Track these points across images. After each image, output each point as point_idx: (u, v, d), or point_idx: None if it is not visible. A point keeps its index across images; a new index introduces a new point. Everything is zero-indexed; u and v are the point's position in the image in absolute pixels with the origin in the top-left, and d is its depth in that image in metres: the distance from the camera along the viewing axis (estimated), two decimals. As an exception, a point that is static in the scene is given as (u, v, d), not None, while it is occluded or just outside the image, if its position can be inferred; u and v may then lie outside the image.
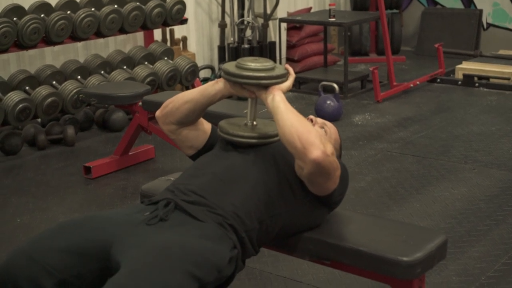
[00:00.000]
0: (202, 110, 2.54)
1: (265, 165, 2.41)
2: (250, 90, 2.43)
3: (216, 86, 2.49)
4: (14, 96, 5.04)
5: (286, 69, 2.46)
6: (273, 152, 2.47)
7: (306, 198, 2.42)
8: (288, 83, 2.43)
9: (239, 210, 2.28)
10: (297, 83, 6.94)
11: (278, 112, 2.34)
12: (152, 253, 2.04)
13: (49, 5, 5.39)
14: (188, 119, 2.56)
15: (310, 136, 2.25)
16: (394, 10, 8.53)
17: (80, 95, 4.96)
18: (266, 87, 2.40)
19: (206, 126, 2.65)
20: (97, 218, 2.30)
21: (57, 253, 2.16)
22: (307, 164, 2.24)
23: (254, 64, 2.40)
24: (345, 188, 2.51)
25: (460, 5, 8.54)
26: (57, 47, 5.75)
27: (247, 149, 2.48)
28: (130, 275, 1.97)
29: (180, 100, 2.53)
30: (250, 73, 2.39)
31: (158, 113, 2.60)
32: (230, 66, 2.45)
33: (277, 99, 2.37)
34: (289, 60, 7.54)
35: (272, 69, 2.42)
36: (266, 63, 2.42)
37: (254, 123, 2.54)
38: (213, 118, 2.82)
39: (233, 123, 2.56)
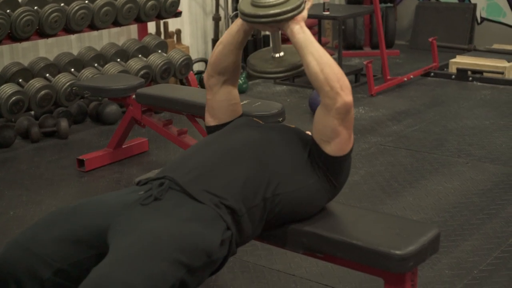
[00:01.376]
0: (232, 52, 2.56)
1: (270, 143, 2.43)
2: (271, 25, 2.43)
3: (238, 22, 2.53)
4: (7, 89, 5.03)
5: None
6: (280, 131, 2.52)
7: (311, 179, 2.43)
8: (306, 10, 2.43)
9: (241, 187, 2.27)
10: (291, 76, 6.93)
11: (311, 47, 2.36)
12: (139, 241, 2.03)
13: (42, -3, 5.38)
14: (224, 64, 2.58)
15: (346, 79, 2.36)
16: (388, 4, 8.53)
17: (74, 88, 4.95)
18: (287, 20, 2.37)
19: (238, 108, 2.70)
20: (91, 203, 2.29)
21: (53, 242, 2.15)
22: (337, 104, 2.33)
23: (271, 0, 2.35)
24: (348, 171, 2.55)
25: (454, -1, 8.55)
26: (50, 40, 5.73)
27: (253, 127, 2.51)
28: (113, 264, 1.97)
29: (217, 44, 2.61)
30: (267, 12, 2.34)
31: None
32: (245, 5, 2.41)
33: (306, 31, 2.39)
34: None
35: (288, 0, 2.37)
36: None
37: (281, 54, 2.53)
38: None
39: (261, 57, 2.56)
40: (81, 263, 2.16)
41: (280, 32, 2.50)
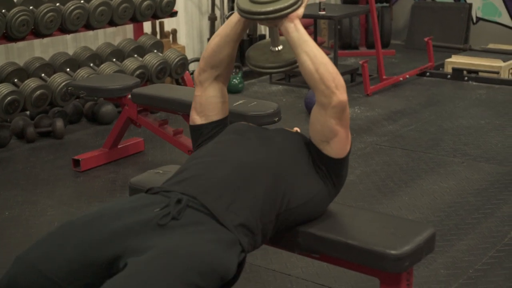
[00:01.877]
0: (229, 44, 2.54)
1: (281, 153, 2.42)
2: (268, 22, 2.43)
3: (237, 13, 2.51)
4: (2, 89, 5.02)
5: None
6: (287, 139, 2.51)
7: (318, 186, 2.43)
8: (302, 8, 2.42)
9: (261, 205, 2.24)
10: (287, 76, 6.95)
11: (305, 45, 2.37)
12: (156, 258, 1.97)
13: (38, -3, 5.37)
14: (219, 57, 2.55)
15: (341, 78, 2.36)
16: (384, 4, 8.54)
17: (69, 88, 4.94)
18: (282, 18, 2.38)
19: (226, 108, 2.65)
20: (104, 218, 2.14)
21: (65, 265, 2.06)
22: (333, 103, 2.33)
23: None
24: (347, 171, 2.55)
25: (450, -1, 8.56)
26: (46, 40, 5.72)
27: (259, 135, 2.48)
28: (128, 278, 1.92)
29: (213, 37, 2.59)
30: (261, 9, 2.36)
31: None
32: (243, 1, 2.43)
33: (301, 29, 2.39)
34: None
35: None
36: None
37: (280, 47, 2.54)
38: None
39: (260, 49, 2.57)
40: (92, 285, 2.07)
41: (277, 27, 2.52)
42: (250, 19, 2.44)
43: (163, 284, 1.92)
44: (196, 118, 2.64)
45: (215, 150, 2.44)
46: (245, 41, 6.98)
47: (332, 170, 2.45)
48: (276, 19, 2.39)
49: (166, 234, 2.06)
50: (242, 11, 2.42)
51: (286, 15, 2.37)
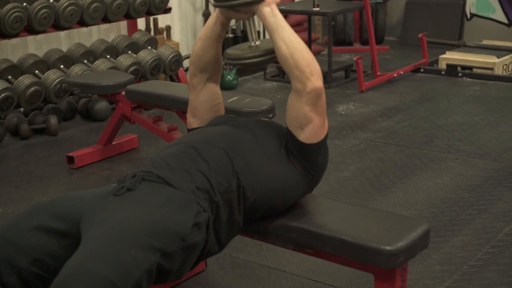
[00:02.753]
0: (212, 46, 2.58)
1: (242, 134, 2.47)
2: (244, 11, 2.45)
3: (214, 14, 2.56)
4: (-4, 85, 5.01)
5: None
6: (253, 124, 2.55)
7: (286, 168, 2.45)
8: None
9: (213, 172, 2.30)
10: (281, 72, 6.94)
11: (281, 31, 2.40)
12: (109, 230, 2.05)
13: (31, -7, 5.35)
14: (204, 60, 2.60)
15: (317, 65, 2.40)
16: (378, 0, 8.53)
17: (63, 84, 4.93)
18: (258, 2, 2.40)
19: (221, 109, 2.73)
20: (69, 196, 2.34)
21: (30, 232, 2.18)
22: (307, 89, 2.37)
23: None
24: (326, 161, 2.57)
25: (444, -5, 8.56)
26: (39, 36, 5.71)
27: (227, 122, 2.55)
28: (84, 256, 1.99)
29: (196, 41, 2.64)
30: None
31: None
32: None
33: (277, 14, 2.41)
34: (273, 49, 7.53)
35: None
36: None
37: (257, 43, 2.56)
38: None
39: (238, 48, 2.60)
40: (58, 253, 2.19)
41: (255, 21, 2.54)
42: (229, 7, 2.44)
43: (119, 253, 1.98)
44: (192, 121, 2.72)
45: (179, 139, 2.56)
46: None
47: (304, 156, 2.47)
48: (253, 4, 2.41)
49: (120, 205, 2.17)
50: (220, 2, 2.43)
51: (258, 1, 2.40)
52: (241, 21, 7.10)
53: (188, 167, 2.30)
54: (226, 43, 6.84)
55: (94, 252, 1.99)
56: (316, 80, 2.37)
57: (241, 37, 7.04)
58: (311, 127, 2.42)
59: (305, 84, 2.37)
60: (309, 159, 2.48)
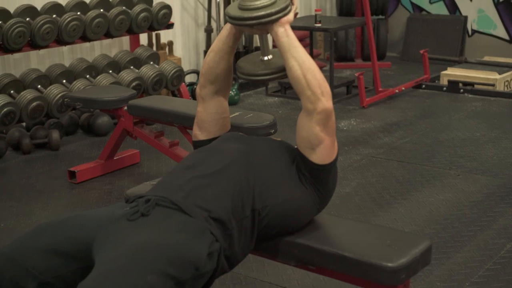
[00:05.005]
0: (223, 58, 2.59)
1: (256, 156, 2.45)
2: (258, 28, 2.47)
3: (227, 26, 2.57)
4: (-2, 100, 5.02)
5: None
6: (265, 144, 2.54)
7: (298, 190, 2.44)
8: (292, 14, 2.48)
9: (231, 200, 2.27)
10: (283, 88, 6.96)
11: (294, 51, 2.41)
12: (125, 254, 2.02)
13: (34, 9, 5.37)
14: (216, 72, 2.61)
15: (327, 86, 2.41)
16: (380, 16, 8.56)
17: (65, 99, 4.94)
18: (272, 22, 2.42)
19: (227, 123, 2.72)
20: (78, 217, 2.29)
21: (38, 254, 2.15)
22: (318, 109, 2.37)
23: (257, 2, 2.41)
24: (335, 181, 2.56)
25: (445, 12, 8.59)
26: (42, 51, 5.73)
27: (239, 141, 2.52)
28: (99, 278, 1.96)
29: (208, 53, 2.65)
30: (252, 14, 2.40)
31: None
32: (233, 9, 2.46)
33: (291, 34, 2.43)
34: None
35: (275, 2, 2.42)
36: None
37: (270, 57, 2.57)
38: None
39: (249, 60, 2.60)
40: (65, 277, 2.16)
41: (268, 35, 2.55)
42: (242, 25, 2.47)
43: (135, 278, 1.96)
44: (198, 134, 2.70)
45: (189, 157, 2.52)
46: (241, 53, 6.99)
47: (316, 177, 2.46)
48: (267, 24, 2.43)
49: (135, 230, 2.14)
50: (233, 19, 2.46)
51: (277, 20, 2.42)
52: (243, 37, 7.12)
53: (204, 194, 2.27)
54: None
55: (109, 275, 1.96)
56: (326, 101, 2.38)
57: (243, 52, 7.05)
58: (322, 147, 2.41)
59: (316, 105, 2.37)
60: (320, 180, 2.47)
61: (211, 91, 2.64)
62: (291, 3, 2.49)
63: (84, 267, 2.13)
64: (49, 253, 2.15)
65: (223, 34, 2.58)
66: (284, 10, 2.42)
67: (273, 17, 2.40)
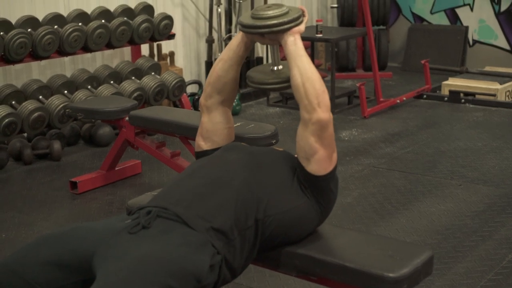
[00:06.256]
0: (232, 68, 2.60)
1: (258, 166, 2.44)
2: (270, 37, 2.49)
3: (238, 36, 2.58)
4: (0, 111, 5.02)
5: (300, 9, 2.51)
6: (268, 154, 2.54)
7: (301, 200, 2.43)
8: (304, 25, 2.50)
9: (233, 210, 2.27)
10: (284, 98, 6.96)
11: (298, 60, 2.43)
12: (126, 268, 2.02)
13: (36, 19, 5.38)
14: (224, 81, 2.61)
15: (327, 97, 2.40)
16: (381, 26, 8.58)
17: (67, 110, 4.94)
18: (284, 32, 2.45)
19: (232, 133, 2.71)
20: (79, 229, 2.28)
21: (39, 266, 2.15)
22: (312, 120, 2.36)
23: (270, 12, 2.45)
24: (336, 192, 2.55)
25: (446, 22, 8.60)
26: (44, 62, 5.74)
27: (241, 151, 2.52)
28: None
29: (216, 62, 2.65)
30: (266, 22, 2.43)
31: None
32: (245, 18, 2.50)
33: (299, 44, 2.46)
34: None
35: (287, 13, 2.46)
36: (280, 8, 2.46)
37: (280, 67, 2.60)
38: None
39: (260, 70, 2.63)
40: None
41: (279, 45, 2.57)
42: (254, 33, 2.50)
43: None
44: (202, 144, 2.69)
45: (191, 167, 2.51)
46: (243, 64, 6.99)
47: (314, 187, 2.46)
48: (278, 33, 2.45)
49: (136, 242, 2.13)
50: (246, 27, 2.49)
51: (289, 29, 2.45)
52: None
53: (207, 204, 2.26)
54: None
55: (111, 287, 1.96)
56: (322, 112, 2.36)
57: (244, 63, 7.05)
58: (316, 158, 2.40)
59: (311, 115, 2.37)
60: (319, 190, 2.46)
61: (217, 100, 2.64)
62: (303, 14, 2.51)
63: (84, 280, 2.13)
64: (50, 265, 2.15)
65: (234, 43, 2.59)
66: (296, 21, 2.46)
67: (285, 26, 2.44)
